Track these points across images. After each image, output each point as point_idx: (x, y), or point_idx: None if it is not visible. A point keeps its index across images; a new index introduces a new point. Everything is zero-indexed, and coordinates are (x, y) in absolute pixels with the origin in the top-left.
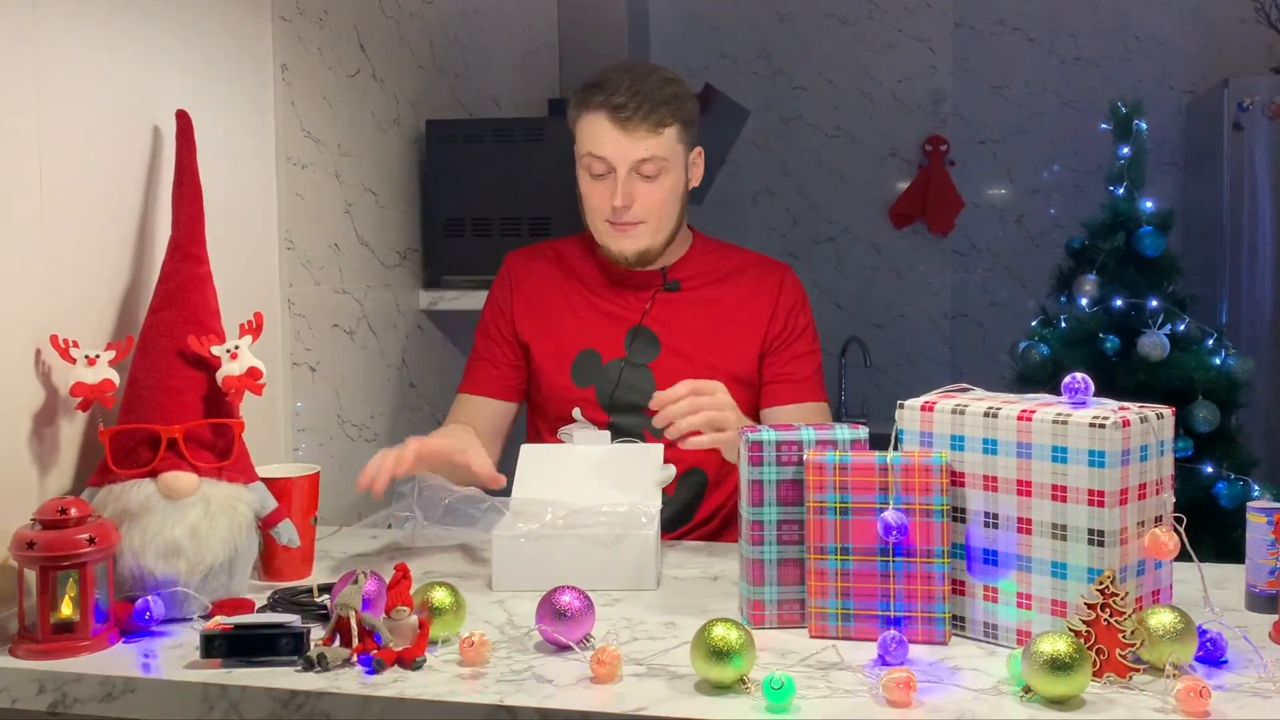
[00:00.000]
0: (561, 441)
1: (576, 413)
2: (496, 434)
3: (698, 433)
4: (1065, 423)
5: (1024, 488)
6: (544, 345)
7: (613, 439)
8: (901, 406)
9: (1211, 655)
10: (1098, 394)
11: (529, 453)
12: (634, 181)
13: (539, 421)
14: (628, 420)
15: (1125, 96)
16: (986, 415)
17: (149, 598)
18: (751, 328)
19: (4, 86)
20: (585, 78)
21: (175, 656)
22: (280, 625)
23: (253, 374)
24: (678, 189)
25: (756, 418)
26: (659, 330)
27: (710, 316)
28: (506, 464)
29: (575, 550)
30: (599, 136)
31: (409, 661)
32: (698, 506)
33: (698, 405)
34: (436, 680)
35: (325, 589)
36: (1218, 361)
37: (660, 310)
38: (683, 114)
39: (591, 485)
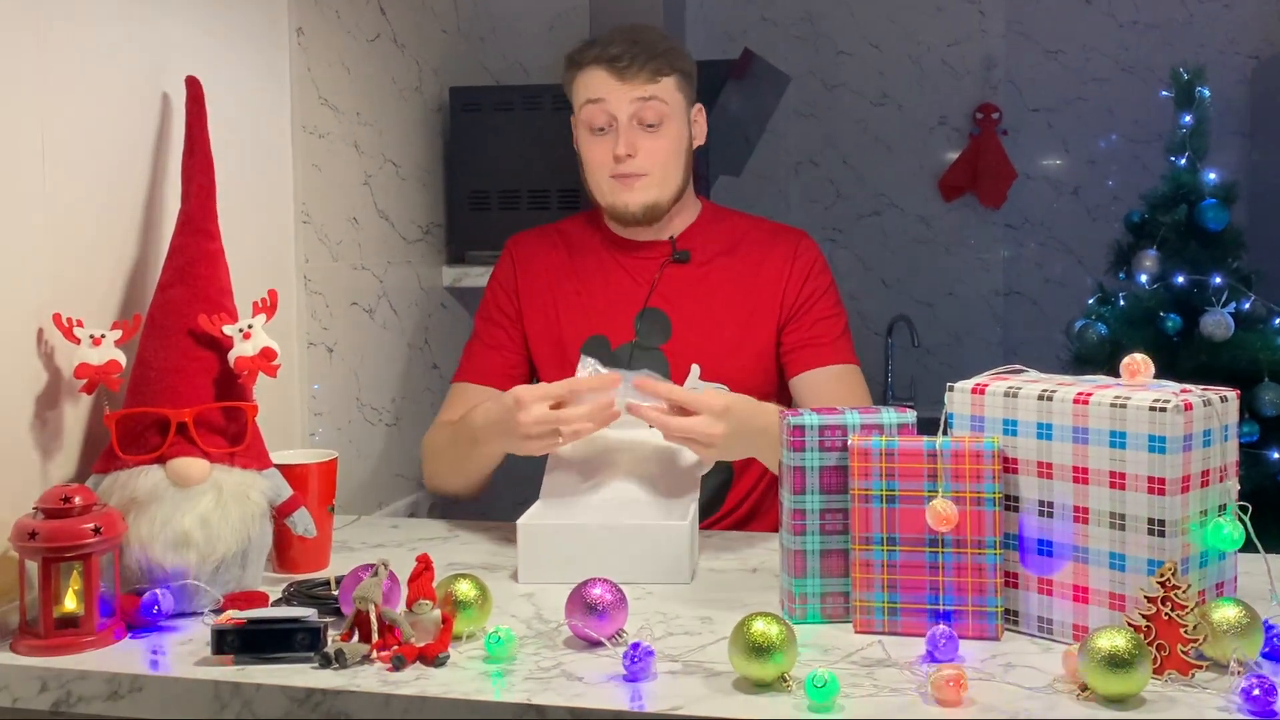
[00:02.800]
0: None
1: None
2: None
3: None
4: (1124, 406)
5: (1080, 474)
6: (550, 332)
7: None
8: (951, 389)
9: (1277, 652)
10: (1158, 375)
11: None
12: (636, 132)
13: None
14: None
15: (1187, 62)
16: (1041, 398)
17: (158, 591)
18: (767, 299)
19: (6, 52)
20: (587, 40)
21: (185, 653)
22: (296, 620)
23: (267, 355)
24: (681, 142)
25: (777, 393)
26: (669, 310)
27: (722, 291)
28: (511, 461)
29: (606, 541)
30: (596, 86)
31: (432, 658)
32: (725, 495)
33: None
34: (461, 678)
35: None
36: None
37: (669, 286)
38: (680, 64)
39: (626, 472)
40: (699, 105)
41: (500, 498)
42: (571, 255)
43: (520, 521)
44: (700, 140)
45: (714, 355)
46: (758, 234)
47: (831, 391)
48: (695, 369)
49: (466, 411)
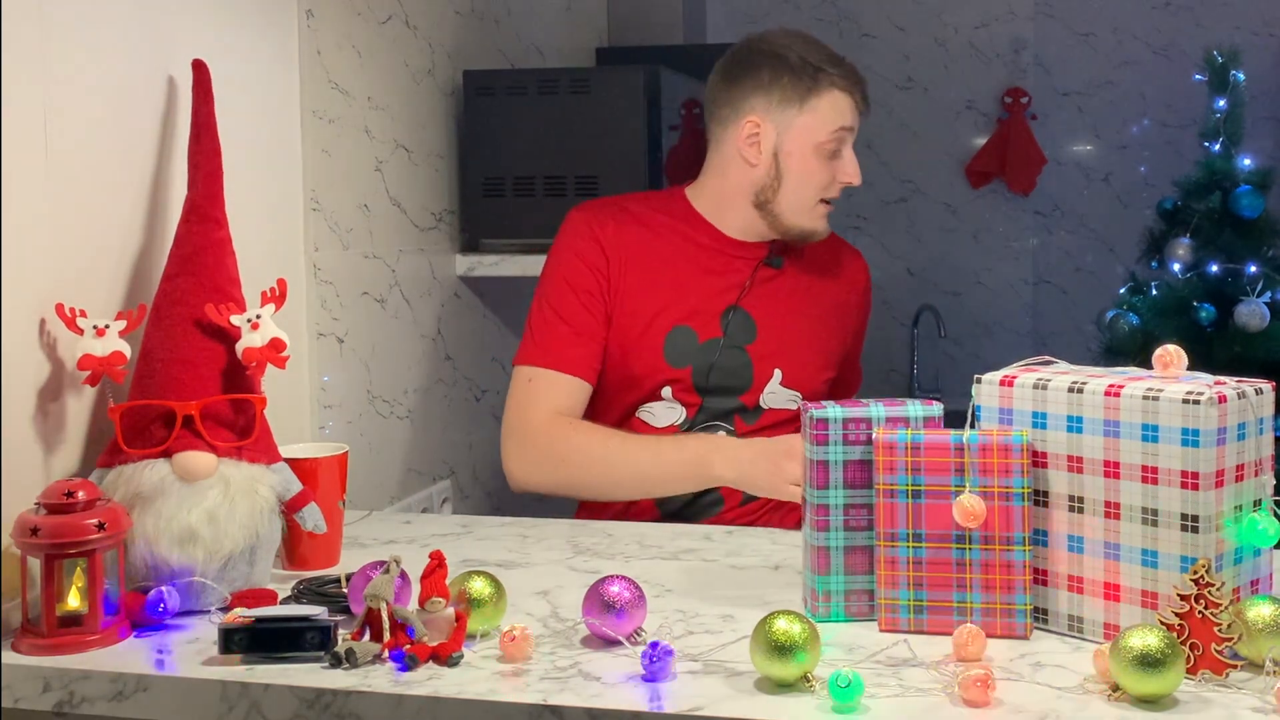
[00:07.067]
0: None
1: (667, 392)
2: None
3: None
4: (1156, 399)
5: (1111, 469)
6: (638, 319)
7: (702, 421)
8: (979, 381)
9: None
10: (1192, 367)
11: None
12: None
13: (618, 397)
14: (721, 403)
15: (1222, 44)
16: (1071, 390)
17: (163, 588)
18: (837, 316)
19: (6, 35)
20: (797, 51)
21: (191, 652)
22: (305, 618)
23: (275, 345)
24: None
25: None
26: (755, 312)
27: (797, 296)
28: None
29: None
30: (848, 113)
31: (445, 657)
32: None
33: None
34: (475, 678)
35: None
36: None
37: (759, 289)
38: None
39: None
40: None
41: (516, 494)
42: (655, 240)
43: None
44: None
45: (792, 361)
46: (831, 247)
47: None
48: (778, 373)
49: (680, 440)
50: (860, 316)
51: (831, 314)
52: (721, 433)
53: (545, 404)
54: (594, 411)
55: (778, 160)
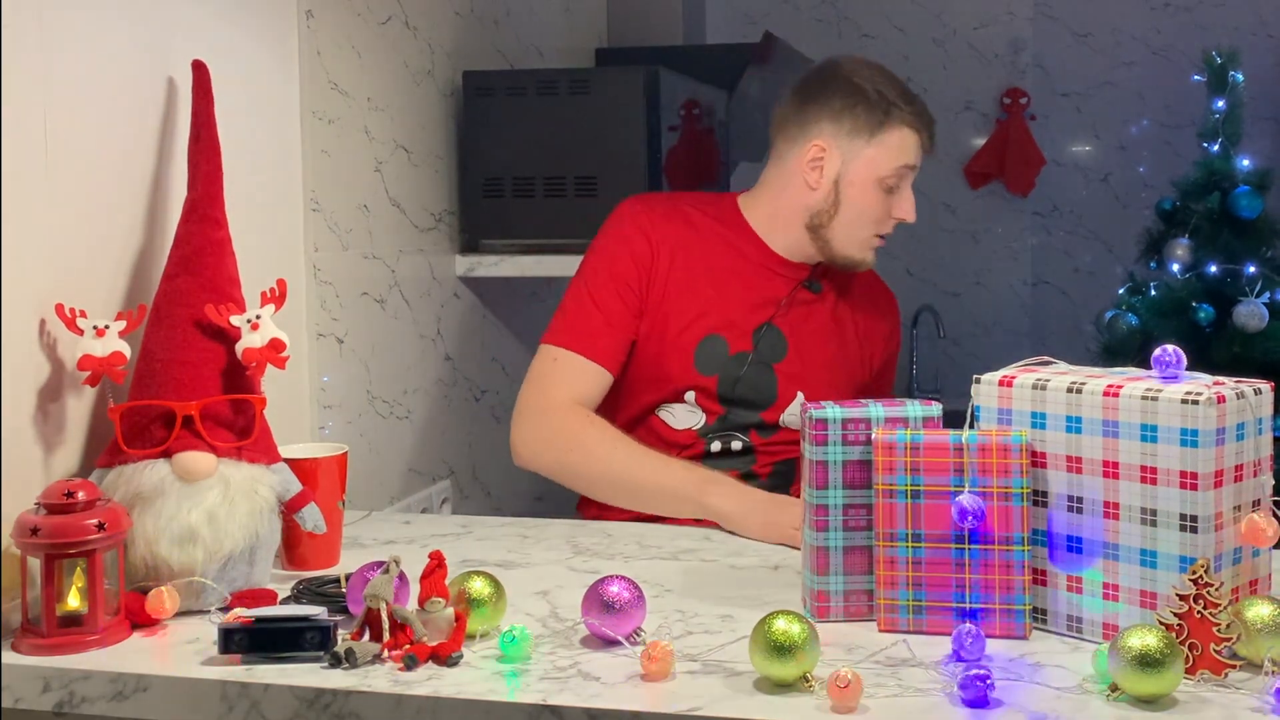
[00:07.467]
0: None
1: (690, 397)
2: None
3: None
4: (1155, 399)
5: (1110, 469)
6: (674, 321)
7: (720, 430)
8: (978, 381)
9: None
10: (1190, 367)
11: None
12: None
13: (641, 393)
14: (741, 415)
15: (1220, 45)
16: (1070, 391)
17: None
18: (866, 355)
19: (6, 35)
20: (874, 84)
21: (191, 652)
22: (305, 618)
23: (275, 346)
24: None
25: None
26: (788, 332)
27: (830, 325)
28: None
29: None
30: (914, 151)
31: (444, 658)
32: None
33: None
34: (474, 678)
35: None
36: None
37: (794, 310)
38: None
39: None
40: None
41: (516, 494)
42: (702, 244)
43: None
44: None
45: (815, 385)
46: (866, 280)
47: None
48: (800, 395)
49: (689, 464)
50: (885, 354)
51: (859, 346)
52: (737, 443)
53: (566, 386)
54: (616, 404)
55: (838, 188)
